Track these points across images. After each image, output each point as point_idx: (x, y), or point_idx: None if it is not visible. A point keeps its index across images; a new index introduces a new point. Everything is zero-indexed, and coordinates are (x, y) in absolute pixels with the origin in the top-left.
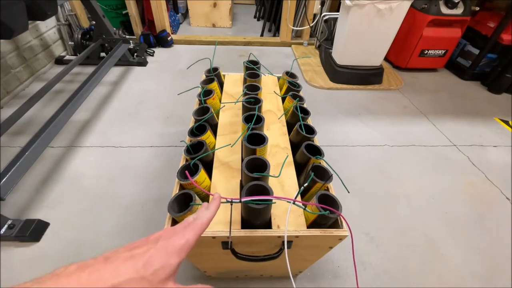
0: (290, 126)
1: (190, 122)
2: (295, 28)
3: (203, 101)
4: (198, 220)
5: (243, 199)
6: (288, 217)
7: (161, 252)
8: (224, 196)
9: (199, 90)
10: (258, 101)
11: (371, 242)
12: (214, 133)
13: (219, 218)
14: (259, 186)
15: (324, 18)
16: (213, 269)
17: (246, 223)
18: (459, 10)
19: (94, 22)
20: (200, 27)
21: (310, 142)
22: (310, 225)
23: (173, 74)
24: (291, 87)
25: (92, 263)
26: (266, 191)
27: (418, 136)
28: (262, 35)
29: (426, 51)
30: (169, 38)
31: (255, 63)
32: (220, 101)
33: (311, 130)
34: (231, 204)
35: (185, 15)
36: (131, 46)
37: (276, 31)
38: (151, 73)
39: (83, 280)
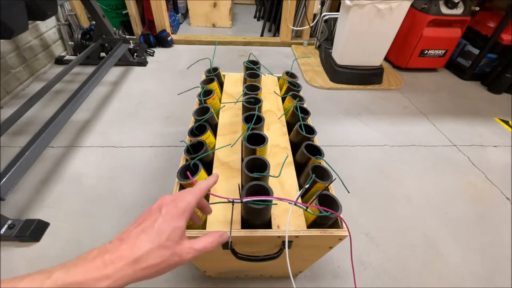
0: (290, 126)
1: (190, 122)
2: (295, 28)
3: (203, 101)
4: (196, 186)
5: (245, 199)
6: (289, 218)
7: (167, 218)
8: (225, 196)
9: (199, 90)
10: (258, 101)
11: (371, 242)
12: (214, 133)
13: (219, 217)
14: (259, 186)
15: (324, 18)
16: (213, 269)
17: (246, 223)
18: (459, 10)
19: (94, 22)
20: (200, 27)
21: (310, 142)
22: (310, 225)
23: (173, 74)
24: (291, 87)
25: (110, 246)
26: (266, 191)
27: (418, 136)
28: (262, 35)
29: (426, 51)
30: (169, 38)
31: (255, 63)
32: (220, 101)
33: (311, 130)
34: (233, 204)
35: (185, 15)
36: (131, 46)
37: (276, 31)
38: (151, 73)
39: (107, 260)
